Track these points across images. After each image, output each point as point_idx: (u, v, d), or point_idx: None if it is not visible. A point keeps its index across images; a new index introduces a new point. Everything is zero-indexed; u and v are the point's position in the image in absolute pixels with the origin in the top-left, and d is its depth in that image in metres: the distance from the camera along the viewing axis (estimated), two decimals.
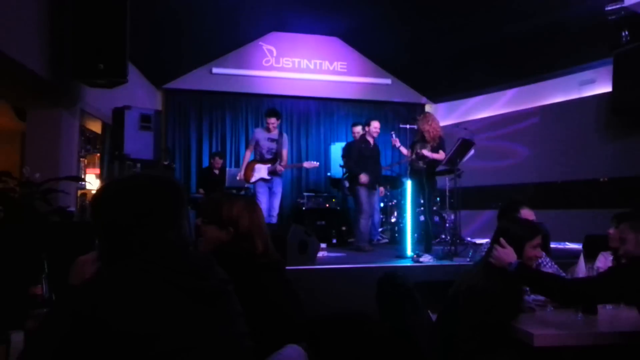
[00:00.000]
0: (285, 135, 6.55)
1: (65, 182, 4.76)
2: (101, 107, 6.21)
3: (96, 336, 1.16)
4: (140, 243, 1.32)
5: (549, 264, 3.06)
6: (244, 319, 1.44)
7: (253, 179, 6.33)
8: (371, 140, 6.39)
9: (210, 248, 2.01)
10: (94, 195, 1.41)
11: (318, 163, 7.35)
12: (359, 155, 6.29)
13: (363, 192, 6.21)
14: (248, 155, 6.51)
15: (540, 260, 2.98)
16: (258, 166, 6.35)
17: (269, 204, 6.33)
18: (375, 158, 6.42)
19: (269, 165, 6.33)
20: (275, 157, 6.36)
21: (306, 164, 7.03)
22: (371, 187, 6.28)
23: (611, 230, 2.79)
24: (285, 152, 6.44)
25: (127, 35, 4.83)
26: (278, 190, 6.42)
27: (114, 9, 4.78)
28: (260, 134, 6.47)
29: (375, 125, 6.39)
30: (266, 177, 6.32)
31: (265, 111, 6.70)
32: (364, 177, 6.09)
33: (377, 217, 7.28)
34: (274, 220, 6.35)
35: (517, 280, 2.29)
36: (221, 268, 1.45)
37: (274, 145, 6.39)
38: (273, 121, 6.34)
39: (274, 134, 6.40)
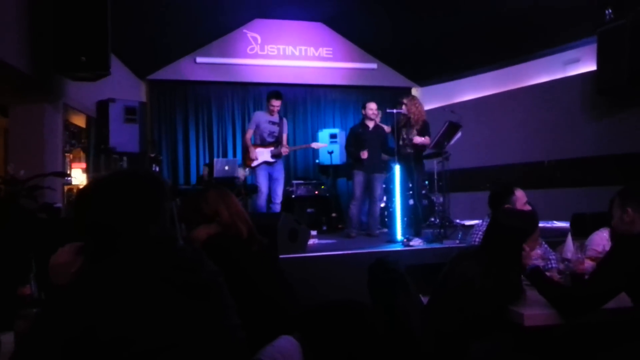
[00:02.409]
0: (285, 120, 6.47)
1: (51, 178, 4.70)
2: (85, 101, 6.12)
3: (91, 338, 1.15)
4: (126, 239, 1.31)
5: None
6: (235, 310, 1.45)
7: (255, 163, 6.21)
8: (370, 124, 6.27)
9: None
10: (76, 197, 1.41)
11: (326, 144, 7.26)
12: (356, 140, 6.22)
13: (358, 177, 6.17)
14: (249, 138, 6.30)
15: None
16: (260, 150, 6.23)
17: (272, 191, 6.24)
18: (375, 142, 6.20)
19: (272, 148, 6.24)
20: (277, 140, 6.28)
21: (314, 145, 6.96)
22: (369, 171, 6.20)
23: None
24: (285, 137, 6.39)
25: (109, 26, 4.76)
26: (280, 175, 6.32)
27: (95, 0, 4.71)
28: (261, 116, 6.35)
29: (370, 107, 6.24)
30: (270, 159, 6.23)
31: (269, 93, 6.42)
32: (364, 154, 6.02)
33: (378, 207, 6.52)
34: (278, 208, 6.25)
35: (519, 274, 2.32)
36: (210, 261, 1.45)
37: (275, 129, 6.29)
38: (278, 103, 6.22)
39: (275, 117, 6.31)
